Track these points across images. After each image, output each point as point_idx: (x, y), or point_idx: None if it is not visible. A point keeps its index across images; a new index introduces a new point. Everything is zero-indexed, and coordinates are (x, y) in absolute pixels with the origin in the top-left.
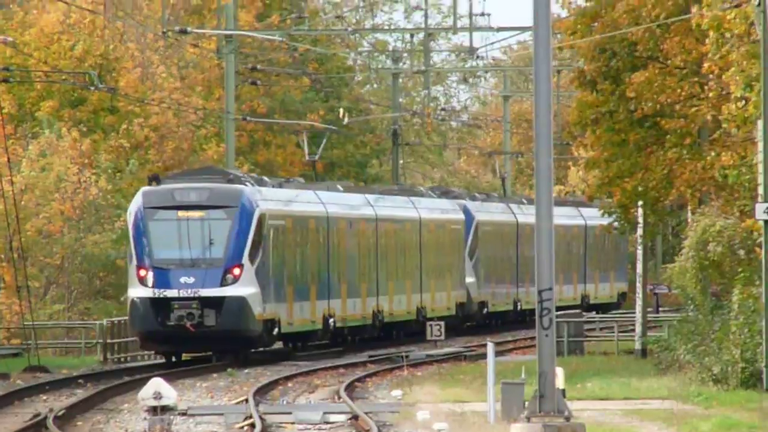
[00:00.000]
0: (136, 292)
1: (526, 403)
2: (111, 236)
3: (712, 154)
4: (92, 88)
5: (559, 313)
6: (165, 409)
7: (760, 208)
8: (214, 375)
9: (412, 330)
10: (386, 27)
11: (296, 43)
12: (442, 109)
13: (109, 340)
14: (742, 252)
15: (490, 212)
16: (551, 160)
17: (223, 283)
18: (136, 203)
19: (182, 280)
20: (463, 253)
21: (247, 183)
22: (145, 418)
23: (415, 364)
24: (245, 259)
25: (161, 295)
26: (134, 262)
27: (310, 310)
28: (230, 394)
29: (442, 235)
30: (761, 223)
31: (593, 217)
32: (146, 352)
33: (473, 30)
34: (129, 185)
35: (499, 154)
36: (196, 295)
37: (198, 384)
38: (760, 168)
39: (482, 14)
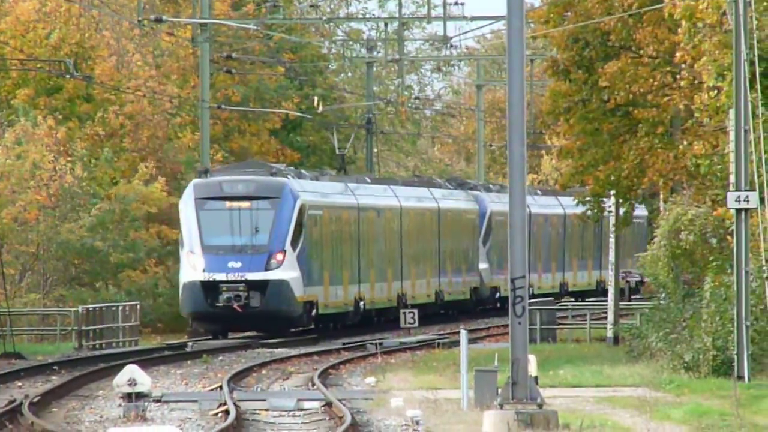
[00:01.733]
0: (188, 275)
1: (499, 390)
2: (86, 223)
3: (684, 143)
4: (68, 76)
5: (532, 301)
6: (139, 395)
7: (731, 197)
8: (189, 362)
9: (430, 312)
10: (360, 16)
11: (271, 31)
12: (416, 98)
13: (84, 327)
14: (713, 240)
15: (503, 203)
16: (524, 149)
17: (268, 268)
18: (188, 194)
19: (230, 264)
20: (477, 241)
21: (289, 176)
22: (119, 405)
23: (389, 352)
24: (287, 246)
25: (211, 279)
26: (186, 248)
27: (344, 294)
28: (204, 381)
29: (458, 223)
30: (733, 211)
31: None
32: (126, 338)
33: (447, 19)
34: (104, 173)
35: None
36: (243, 279)
37: (172, 371)
38: (732, 157)
39: (456, 3)
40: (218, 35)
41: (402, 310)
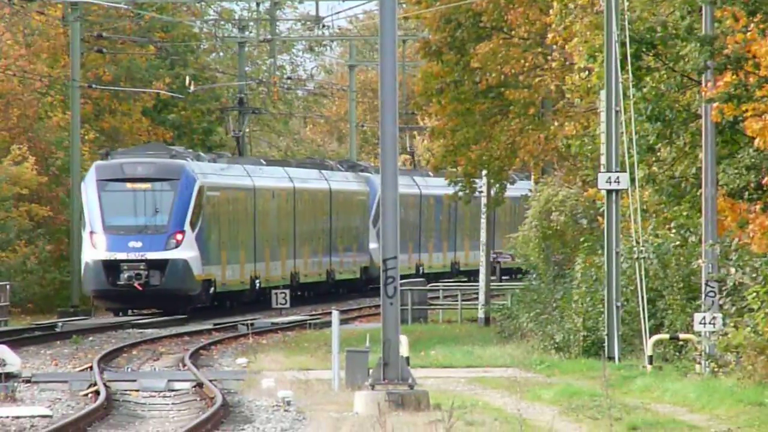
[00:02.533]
0: (89, 255)
1: (371, 370)
2: None
3: (556, 124)
4: None
5: (402, 281)
6: (9, 376)
7: (602, 177)
8: (58, 342)
9: (323, 290)
10: None
11: (142, 11)
12: (288, 78)
13: None
14: (584, 221)
15: (419, 186)
16: (396, 129)
17: (167, 247)
18: (90, 175)
19: (131, 244)
20: (368, 221)
21: (188, 158)
22: None
23: (260, 332)
24: (186, 226)
25: (112, 258)
26: (88, 228)
27: (240, 272)
28: (75, 361)
29: (349, 205)
30: (603, 192)
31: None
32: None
33: None
34: None
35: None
36: (143, 258)
37: (42, 351)
38: (603, 138)
39: None
40: (89, 14)
41: (273, 291)
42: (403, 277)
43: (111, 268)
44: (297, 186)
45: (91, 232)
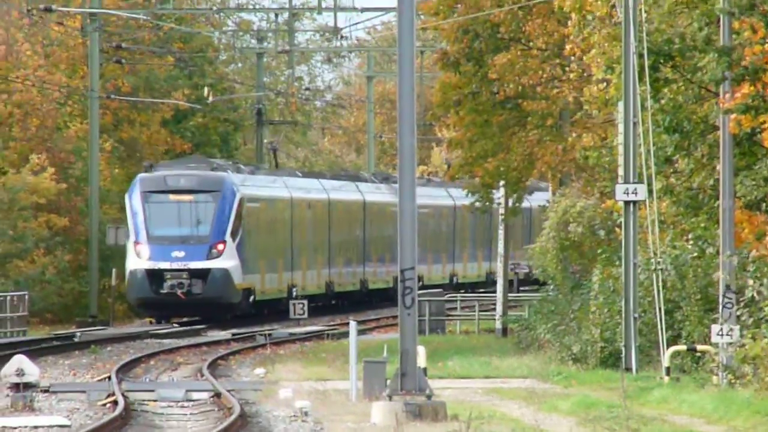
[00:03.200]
0: (134, 264)
1: (388, 381)
2: None
3: (573, 135)
4: None
5: (421, 292)
6: (27, 386)
7: (619, 189)
8: (77, 352)
9: (356, 299)
10: (251, 6)
11: (161, 21)
12: (306, 89)
13: None
14: (602, 232)
15: (428, 196)
16: (414, 141)
17: (209, 257)
18: (134, 187)
19: (174, 254)
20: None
21: (229, 170)
22: (7, 395)
23: (278, 343)
24: (228, 236)
25: (156, 267)
26: (132, 238)
27: (278, 281)
28: (93, 371)
29: (383, 215)
30: (621, 204)
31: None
32: (14, 329)
33: (338, 10)
34: None
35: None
36: (186, 267)
37: (61, 361)
38: (620, 150)
39: None
40: (108, 25)
41: (291, 301)
42: (437, 286)
43: (155, 277)
44: (332, 197)
45: (136, 242)
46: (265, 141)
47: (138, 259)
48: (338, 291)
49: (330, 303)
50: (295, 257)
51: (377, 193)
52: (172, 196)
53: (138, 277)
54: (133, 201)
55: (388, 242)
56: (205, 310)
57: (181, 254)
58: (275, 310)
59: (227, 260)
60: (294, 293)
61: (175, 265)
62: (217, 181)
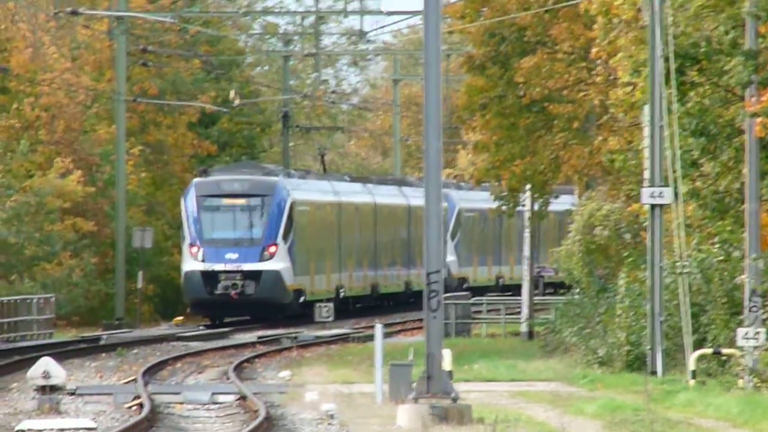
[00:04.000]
0: (189, 265)
1: (414, 384)
2: (1, 216)
3: (600, 139)
4: None
5: (446, 295)
6: (54, 388)
7: (646, 192)
8: (103, 355)
9: (401, 300)
10: (277, 10)
11: (187, 24)
12: (333, 92)
13: None
14: (628, 236)
15: (472, 200)
16: (440, 144)
17: (261, 259)
18: (189, 191)
19: (228, 256)
20: (446, 235)
21: (280, 175)
22: (34, 398)
23: (304, 345)
24: (279, 239)
25: (210, 269)
26: (187, 240)
27: (326, 282)
28: (119, 374)
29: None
30: (647, 207)
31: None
32: (41, 331)
33: (363, 13)
34: (20, 166)
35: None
36: (239, 269)
37: (87, 364)
38: (647, 153)
39: None
40: (134, 28)
41: (317, 304)
42: (484, 288)
43: (209, 278)
44: (378, 201)
45: (191, 245)
46: (317, 146)
47: (193, 261)
48: (383, 292)
49: (375, 304)
50: (342, 259)
51: (422, 198)
52: (226, 200)
53: (193, 279)
54: (189, 205)
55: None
56: (258, 311)
57: (235, 256)
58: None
59: (279, 262)
60: (341, 294)
61: (229, 267)
62: (270, 185)
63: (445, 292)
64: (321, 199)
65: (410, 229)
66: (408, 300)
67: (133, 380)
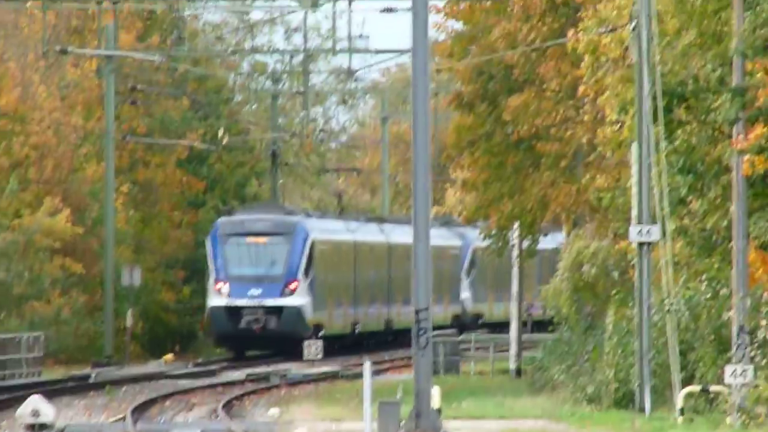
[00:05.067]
0: (214, 301)
1: (403, 422)
2: None
3: (587, 177)
4: None
5: (435, 332)
6: (43, 426)
7: (633, 230)
8: (92, 393)
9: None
10: (266, 48)
11: (176, 63)
12: (321, 130)
13: None
14: (615, 273)
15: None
16: (429, 182)
17: (283, 295)
18: (214, 230)
19: (251, 292)
20: (460, 272)
21: (301, 215)
22: None
23: (293, 383)
24: (300, 276)
25: (234, 304)
26: (212, 276)
27: (343, 318)
28: (108, 411)
29: (442, 258)
30: (635, 245)
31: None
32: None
33: (352, 52)
34: (9, 204)
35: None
36: (262, 304)
37: (76, 402)
38: (634, 191)
39: (361, 36)
40: (123, 67)
41: (306, 342)
42: (501, 324)
43: (233, 313)
44: (391, 241)
45: (216, 281)
46: (333, 189)
47: (218, 297)
48: (397, 328)
49: (388, 339)
50: (358, 296)
51: (436, 237)
52: (249, 239)
53: (218, 314)
54: (213, 243)
55: (446, 283)
56: (279, 344)
57: (258, 292)
58: (341, 345)
59: (299, 298)
60: (356, 329)
61: (252, 303)
62: (291, 224)
63: (461, 328)
64: (338, 238)
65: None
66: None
67: (122, 418)
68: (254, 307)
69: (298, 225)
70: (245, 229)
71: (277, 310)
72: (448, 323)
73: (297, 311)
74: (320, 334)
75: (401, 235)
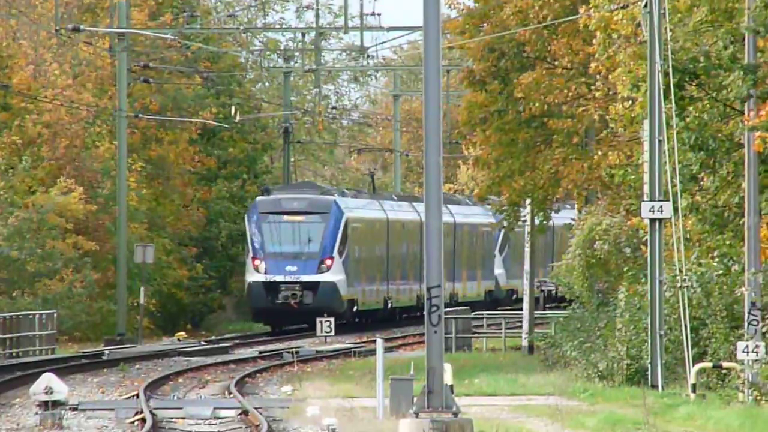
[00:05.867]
0: (252, 277)
1: (415, 398)
2: (3, 232)
3: (599, 153)
4: None
5: (447, 309)
6: (56, 404)
7: (645, 206)
8: (105, 370)
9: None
10: (278, 26)
11: (188, 41)
12: (333, 108)
13: (1, 335)
14: (628, 250)
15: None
16: (440, 159)
17: (319, 271)
18: (252, 209)
19: (288, 268)
20: (494, 249)
21: (336, 195)
22: (36, 413)
23: (305, 360)
24: (335, 253)
25: (272, 280)
26: (250, 254)
27: (376, 293)
28: (121, 389)
29: (475, 235)
30: (646, 221)
31: (461, 214)
32: (43, 347)
33: (364, 29)
34: (21, 182)
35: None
36: (298, 280)
37: (89, 379)
38: (646, 167)
39: (373, 14)
40: (136, 45)
41: (318, 319)
42: (560, 297)
43: (271, 288)
44: (424, 219)
45: (254, 258)
46: (367, 169)
47: (256, 273)
48: (461, 301)
49: (419, 314)
50: (390, 272)
51: (469, 215)
52: (286, 217)
53: (256, 289)
54: (252, 221)
55: (479, 259)
56: (315, 318)
57: (294, 268)
58: (373, 319)
59: (335, 274)
60: (389, 305)
61: (289, 278)
62: (327, 204)
63: (495, 303)
64: (371, 216)
65: (455, 243)
66: (486, 307)
67: (135, 395)
68: (291, 283)
69: (333, 204)
70: (282, 208)
71: (314, 286)
72: (481, 298)
73: (332, 287)
74: (354, 309)
75: (467, 215)
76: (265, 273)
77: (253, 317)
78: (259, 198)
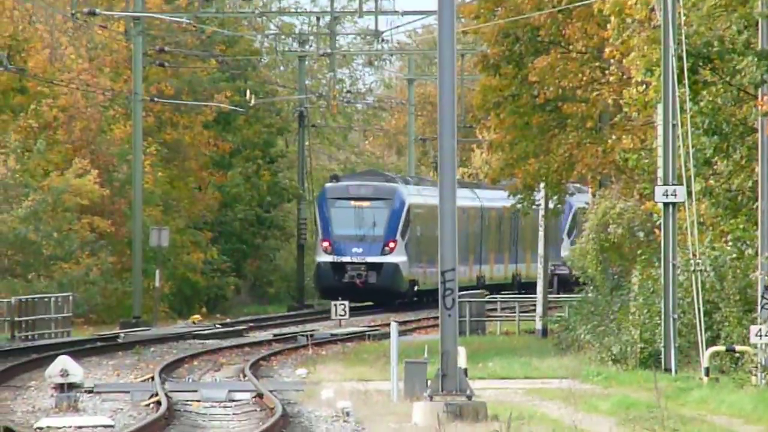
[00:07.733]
0: (321, 258)
1: (429, 382)
2: (19, 214)
3: (613, 137)
4: (1, 68)
5: (461, 293)
6: (72, 386)
7: (659, 191)
8: (120, 353)
9: (506, 290)
10: (293, 10)
11: (203, 25)
12: (348, 92)
13: (16, 318)
14: (641, 234)
15: (580, 202)
16: (455, 143)
17: (383, 253)
18: (321, 194)
19: (354, 250)
20: (561, 233)
21: (399, 182)
22: (52, 395)
23: (320, 343)
24: (398, 236)
25: (339, 260)
26: (320, 236)
27: (436, 275)
28: (136, 371)
29: (530, 219)
30: (660, 205)
31: (488, 198)
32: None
33: (378, 14)
34: (37, 165)
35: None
36: (364, 261)
37: (105, 362)
38: (660, 152)
39: None
40: (151, 29)
41: (333, 303)
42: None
43: (338, 268)
44: (484, 205)
45: (323, 240)
46: (431, 157)
47: (324, 254)
48: (489, 284)
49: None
50: None
51: (496, 199)
52: (353, 203)
53: (324, 269)
54: (321, 206)
55: (536, 243)
56: (378, 297)
57: (360, 250)
58: (433, 298)
59: (397, 256)
60: None
61: (355, 259)
62: (391, 190)
63: (565, 285)
64: (433, 203)
65: (516, 228)
66: (515, 291)
67: (150, 378)
68: (357, 263)
69: (397, 191)
70: (350, 194)
71: (378, 267)
72: (509, 281)
73: (395, 268)
74: (415, 288)
75: (493, 199)
76: (333, 254)
77: (320, 295)
78: (328, 185)
